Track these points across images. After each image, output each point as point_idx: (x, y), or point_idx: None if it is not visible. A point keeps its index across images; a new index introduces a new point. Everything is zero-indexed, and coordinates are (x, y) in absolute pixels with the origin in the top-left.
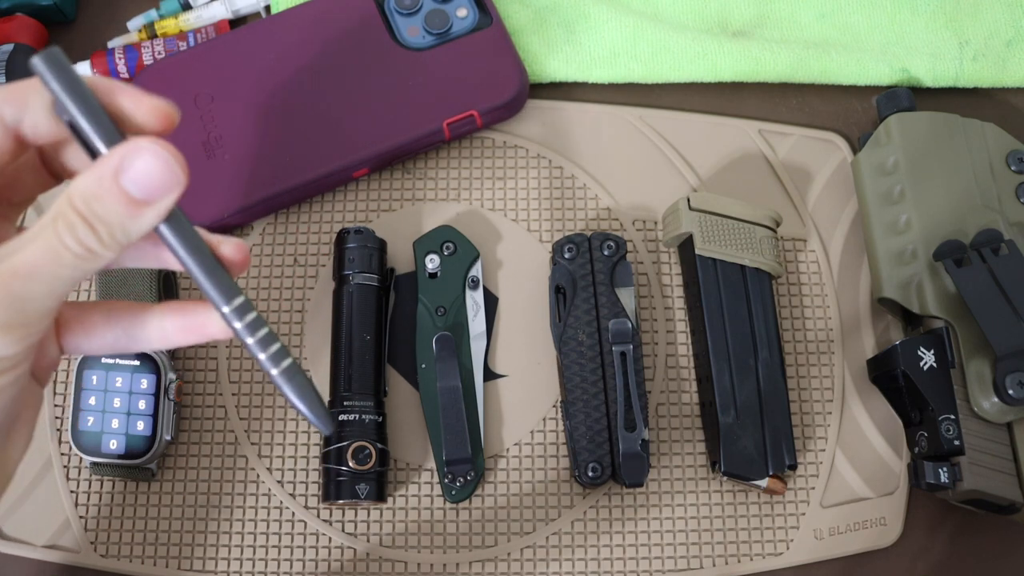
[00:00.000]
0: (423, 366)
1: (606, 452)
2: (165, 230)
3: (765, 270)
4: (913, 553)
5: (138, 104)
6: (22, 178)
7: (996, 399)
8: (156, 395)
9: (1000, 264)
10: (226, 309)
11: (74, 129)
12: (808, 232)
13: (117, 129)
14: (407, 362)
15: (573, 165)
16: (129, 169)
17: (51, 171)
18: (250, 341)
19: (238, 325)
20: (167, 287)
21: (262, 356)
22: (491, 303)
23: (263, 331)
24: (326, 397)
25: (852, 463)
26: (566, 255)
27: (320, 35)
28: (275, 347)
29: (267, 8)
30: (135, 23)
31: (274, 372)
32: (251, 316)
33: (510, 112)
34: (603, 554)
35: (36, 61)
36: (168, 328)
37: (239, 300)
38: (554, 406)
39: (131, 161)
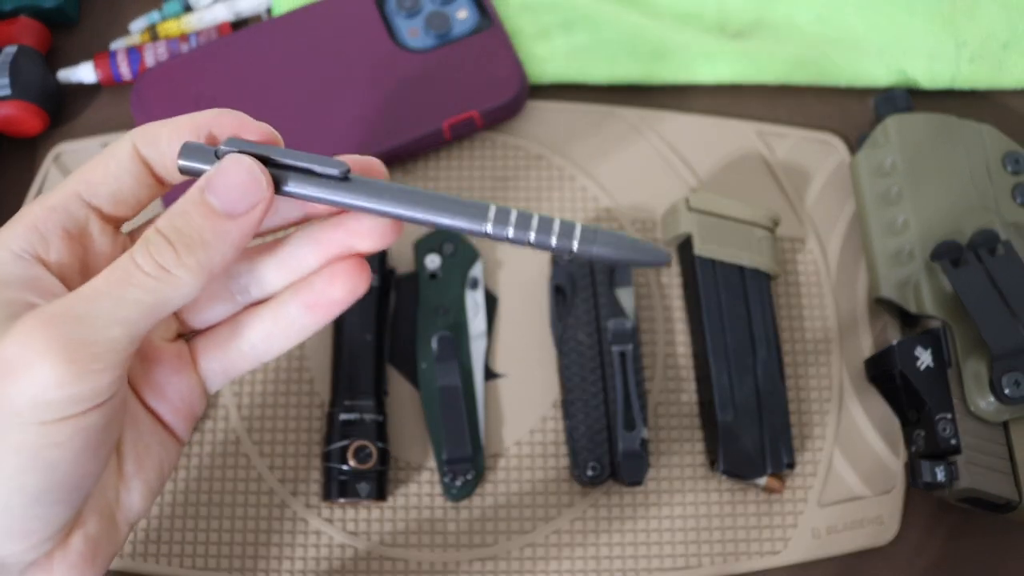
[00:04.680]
0: (423, 366)
1: (605, 451)
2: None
3: (763, 270)
4: (910, 551)
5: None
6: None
7: (992, 398)
8: None
9: (996, 264)
10: (489, 227)
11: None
12: (806, 232)
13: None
14: (407, 362)
15: (573, 165)
16: (213, 182)
17: None
18: (533, 237)
19: (511, 233)
20: None
21: (554, 242)
22: (491, 303)
23: (535, 219)
24: (327, 397)
25: (850, 462)
26: (566, 255)
27: (321, 37)
28: (556, 224)
29: (269, 11)
30: (137, 25)
31: (576, 247)
32: (513, 215)
33: (510, 113)
34: (602, 552)
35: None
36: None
37: (492, 210)
38: (554, 406)
39: (216, 175)
